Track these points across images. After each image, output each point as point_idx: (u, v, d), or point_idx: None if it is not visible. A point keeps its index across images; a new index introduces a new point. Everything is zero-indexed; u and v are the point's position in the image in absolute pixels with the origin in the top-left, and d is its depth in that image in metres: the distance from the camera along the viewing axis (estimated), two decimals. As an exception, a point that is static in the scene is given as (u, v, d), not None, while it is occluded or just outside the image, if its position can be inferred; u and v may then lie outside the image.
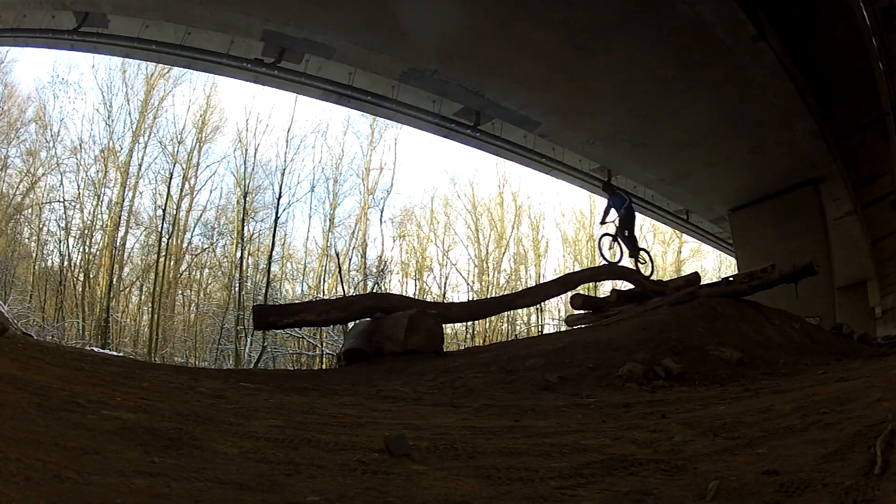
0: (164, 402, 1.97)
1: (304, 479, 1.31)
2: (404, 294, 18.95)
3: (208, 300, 19.97)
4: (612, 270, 7.64)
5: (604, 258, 8.02)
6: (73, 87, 17.83)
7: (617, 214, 7.95)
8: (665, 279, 9.20)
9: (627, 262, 8.09)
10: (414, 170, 30.57)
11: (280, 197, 19.11)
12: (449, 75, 9.31)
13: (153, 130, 18.59)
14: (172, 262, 19.08)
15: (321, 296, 19.17)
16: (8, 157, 17.15)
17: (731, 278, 7.41)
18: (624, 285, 7.53)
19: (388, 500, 1.22)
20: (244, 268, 19.03)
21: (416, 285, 22.46)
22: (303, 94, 10.40)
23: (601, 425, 2.16)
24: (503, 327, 22.37)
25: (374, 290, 18.61)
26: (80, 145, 17.59)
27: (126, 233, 18.36)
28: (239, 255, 19.05)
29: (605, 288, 21.41)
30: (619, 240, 7.92)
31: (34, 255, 17.77)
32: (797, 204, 11.78)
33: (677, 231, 21.58)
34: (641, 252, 8.14)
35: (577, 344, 4.36)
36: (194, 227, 19.89)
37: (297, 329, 15.50)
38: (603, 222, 8.19)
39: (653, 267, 8.46)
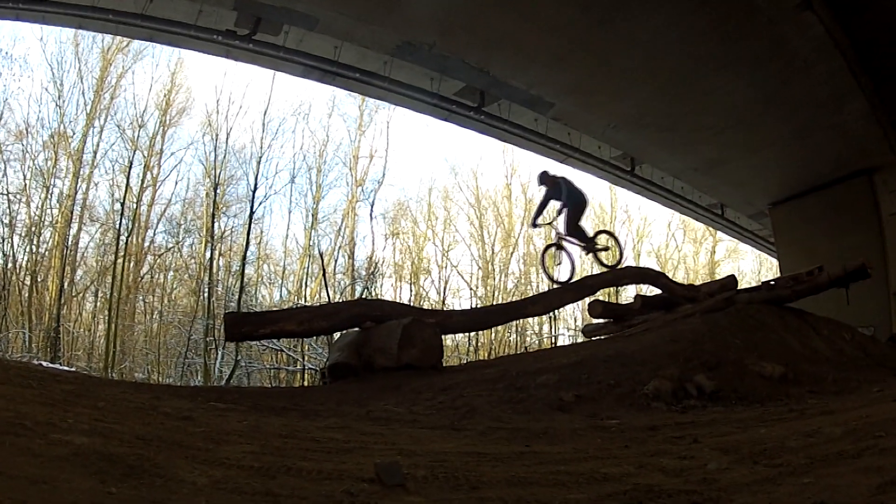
0: (122, 425, 1.97)
1: (284, 512, 1.31)
2: (398, 300, 18.95)
3: (173, 307, 19.96)
4: (636, 273, 7.64)
5: (548, 277, 7.32)
6: (17, 63, 17.79)
7: (563, 210, 7.03)
8: (697, 283, 9.21)
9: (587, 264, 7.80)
10: (409, 158, 30.64)
11: (255, 189, 19.11)
12: (449, 49, 9.31)
13: (110, 112, 18.58)
14: (132, 264, 19.08)
15: (303, 302, 19.16)
16: (-58, 144, 17.15)
17: (772, 282, 7.41)
18: (650, 290, 7.53)
19: (380, 537, 1.22)
20: (214, 270, 19.02)
21: (411, 290, 22.49)
22: (281, 70, 10.40)
23: (624, 451, 2.16)
24: (511, 338, 22.37)
25: (364, 296, 18.63)
26: (27, 129, 17.59)
27: (79, 230, 18.38)
28: (208, 255, 19.05)
29: (627, 293, 21.52)
30: (566, 241, 7.19)
31: (-27, 255, 17.76)
32: (848, 197, 11.78)
33: (711, 228, 21.58)
34: (600, 237, 7.50)
35: (596, 357, 4.36)
36: (157, 223, 19.89)
37: (275, 340, 15.54)
38: (535, 224, 7.44)
39: (621, 252, 7.98)
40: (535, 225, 7.51)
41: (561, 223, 7.18)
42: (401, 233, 22.92)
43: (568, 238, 7.22)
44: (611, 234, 8.08)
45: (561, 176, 7.27)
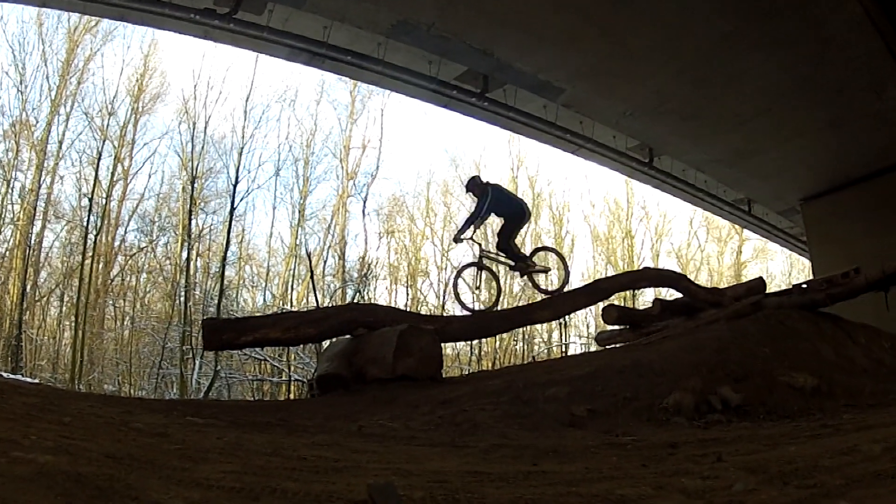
0: (90, 442, 1.97)
1: (267, 538, 1.31)
2: (393, 305, 18.97)
3: (146, 313, 19.99)
4: (654, 275, 7.66)
5: (460, 304, 6.78)
6: (-25, 45, 17.82)
7: (481, 218, 6.61)
8: (722, 286, 9.23)
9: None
10: (405, 149, 30.65)
11: (237, 183, 19.15)
12: (450, 29, 9.31)
13: (77, 99, 18.61)
14: (101, 265, 19.10)
15: (288, 307, 19.17)
16: None
17: (804, 285, 7.40)
18: (670, 294, 7.54)
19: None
20: (191, 272, 19.04)
21: (408, 294, 22.51)
22: (265, 53, 10.40)
23: (641, 470, 2.16)
24: (518, 347, 22.39)
25: (356, 301, 18.63)
26: (-15, 117, 17.59)
27: (43, 228, 18.41)
28: (185, 255, 19.07)
29: (645, 298, 21.53)
30: (492, 259, 6.76)
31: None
32: (888, 191, 11.78)
33: (737, 226, 21.61)
34: (539, 255, 6.97)
35: (611, 368, 4.36)
36: (129, 220, 19.94)
37: (258, 349, 15.60)
38: (458, 238, 6.63)
39: (566, 273, 7.43)
40: (457, 240, 6.67)
41: (469, 233, 6.52)
42: (396, 231, 22.97)
43: (497, 255, 6.78)
44: (555, 251, 7.71)
45: (494, 183, 6.87)
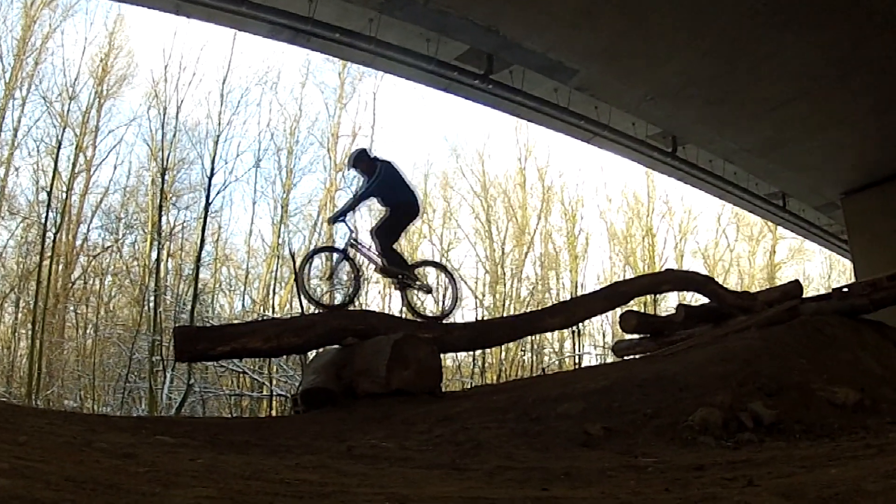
0: (49, 464, 1.97)
1: (246, 571, 1.31)
2: (387, 311, 18.94)
3: (111, 320, 19.97)
4: (678, 278, 7.66)
5: (308, 299, 5.81)
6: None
7: (362, 201, 6.07)
8: (753, 290, 9.23)
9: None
10: (400, 137, 30.59)
11: (212, 175, 19.08)
12: (449, 3, 9.31)
13: (34, 81, 18.60)
14: (61, 267, 19.08)
15: (270, 314, 19.17)
16: None
17: (845, 289, 7.42)
18: (696, 299, 7.54)
19: None
20: (162, 274, 19.03)
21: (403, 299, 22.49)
22: (244, 30, 10.39)
23: (663, 496, 2.16)
24: (526, 358, 22.42)
25: (345, 306, 18.57)
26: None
27: (-5, 225, 18.39)
28: (154, 256, 19.05)
29: (668, 303, 21.55)
30: (364, 255, 6.10)
31: None
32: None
33: (770, 223, 21.65)
34: (423, 270, 6.44)
35: (630, 381, 4.36)
36: (92, 216, 19.91)
37: (236, 361, 15.58)
38: (334, 219, 6.21)
39: (454, 295, 6.64)
40: (333, 221, 6.27)
41: (353, 222, 5.98)
42: (390, 228, 22.96)
43: (373, 255, 6.06)
44: (444, 269, 6.86)
45: (386, 160, 6.17)
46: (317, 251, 6.75)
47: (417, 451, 3.14)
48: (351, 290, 6.11)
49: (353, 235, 6.09)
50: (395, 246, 6.18)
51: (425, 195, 23.87)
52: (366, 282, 6.44)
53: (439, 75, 10.68)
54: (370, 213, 8.10)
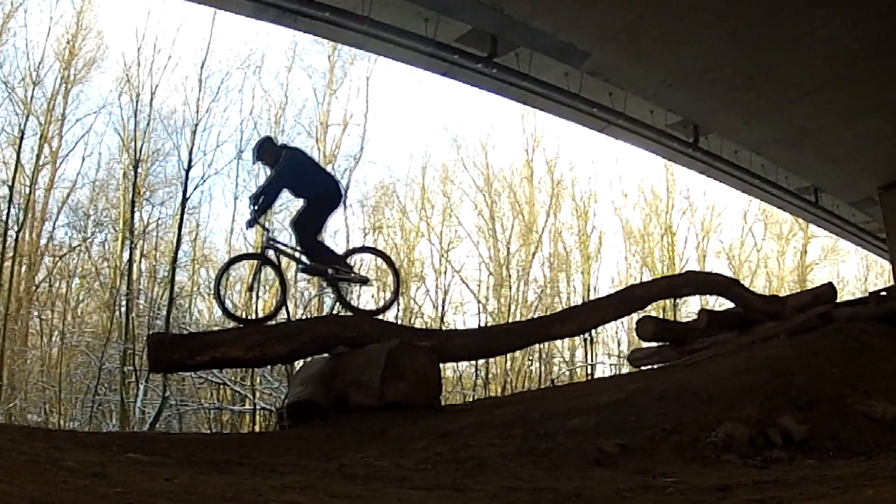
0: (11, 485, 1.96)
1: None
2: (380, 317, 18.92)
3: (79, 326, 19.97)
4: (701, 281, 7.67)
5: (225, 314, 6.21)
6: None
7: (270, 194, 5.90)
8: (782, 293, 9.23)
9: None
10: (396, 126, 30.58)
11: (190, 167, 19.08)
12: (450, -20, 9.32)
13: (-6, 65, 18.60)
14: (24, 268, 19.09)
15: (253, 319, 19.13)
16: None
17: (883, 292, 7.43)
18: (719, 303, 7.54)
19: None
20: (135, 276, 19.04)
21: (399, 303, 22.52)
22: (224, 8, 10.40)
23: (684, 519, 2.16)
24: (533, 368, 22.43)
25: (335, 312, 18.60)
26: None
27: (-48, 223, 18.39)
28: (126, 256, 19.05)
29: (689, 308, 21.53)
30: (286, 255, 6.00)
31: None
32: None
33: (801, 220, 21.64)
34: (356, 258, 6.33)
35: (648, 393, 4.36)
36: (58, 213, 19.91)
37: (215, 371, 15.59)
38: (252, 223, 6.08)
39: (396, 289, 6.84)
40: (251, 224, 6.10)
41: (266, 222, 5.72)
42: (385, 226, 22.97)
43: (295, 252, 5.98)
44: (381, 255, 6.77)
45: (294, 147, 6.11)
46: (233, 261, 6.74)
47: (415, 471, 3.14)
48: (278, 297, 6.07)
49: (269, 236, 6.13)
50: (319, 238, 6.13)
51: (423, 189, 23.93)
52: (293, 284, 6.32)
53: (438, 58, 10.66)
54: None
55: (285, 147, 6.06)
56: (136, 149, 19.17)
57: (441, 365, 5.62)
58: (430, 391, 5.05)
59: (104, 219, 20.18)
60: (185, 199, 18.93)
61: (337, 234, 21.96)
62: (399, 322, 17.94)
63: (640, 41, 10.19)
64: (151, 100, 19.41)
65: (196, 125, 19.33)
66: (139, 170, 19.26)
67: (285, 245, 6.00)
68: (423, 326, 18.66)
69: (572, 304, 19.96)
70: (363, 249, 6.60)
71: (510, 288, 23.33)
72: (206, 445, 3.98)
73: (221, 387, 18.07)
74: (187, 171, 18.92)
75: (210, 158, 19.80)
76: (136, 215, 19.30)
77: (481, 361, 19.58)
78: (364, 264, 6.43)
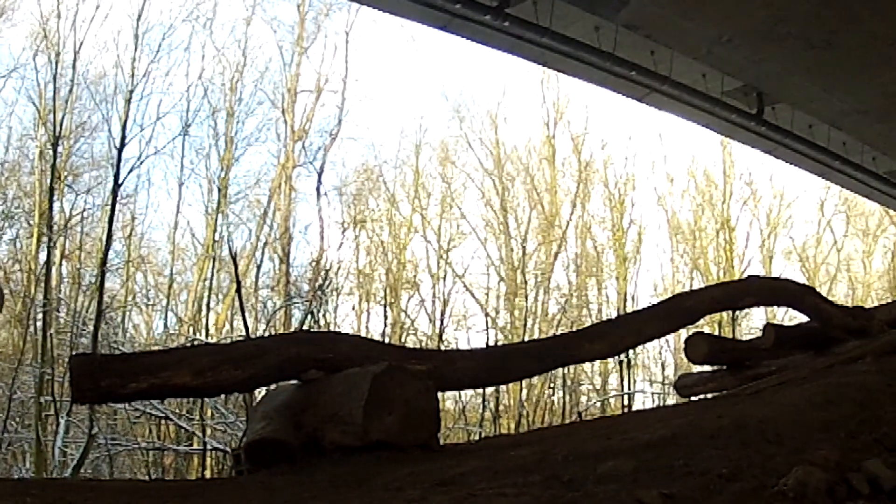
0: None
1: None
2: (363, 334, 18.99)
3: (-16, 345, 20.01)
4: (765, 288, 7.67)
5: None
6: None
7: None
8: (869, 305, 9.22)
9: None
10: (383, 94, 30.66)
11: (123, 145, 19.12)
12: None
13: None
14: (-85, 273, 19.11)
15: (202, 337, 19.20)
16: None
17: None
18: (789, 316, 7.53)
19: None
20: (54, 283, 19.08)
21: (387, 316, 22.56)
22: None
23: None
24: (555, 398, 22.46)
25: (307, 328, 18.63)
26: None
27: None
28: (44, 257, 19.09)
29: (751, 322, 21.53)
30: None
31: None
32: None
33: (892, 212, 21.65)
34: None
35: (699, 431, 4.36)
36: (-43, 204, 19.94)
37: (155, 402, 15.61)
38: None
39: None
40: None
41: None
42: (369, 220, 23.04)
43: None
44: None
45: None
46: None
47: (406, 528, 3.15)
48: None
49: None
50: None
51: (417, 174, 23.97)
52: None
53: (436, 7, 10.68)
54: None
55: None
56: (56, 122, 19.21)
57: (440, 394, 5.62)
58: (426, 427, 5.04)
59: (15, 210, 20.21)
60: (117, 186, 18.92)
61: (308, 229, 22.12)
62: (387, 340, 17.99)
63: (688, -13, 10.24)
64: (75, 61, 19.51)
65: (131, 92, 19.37)
66: (59, 149, 19.33)
67: None
68: (417, 346, 18.68)
69: (604, 318, 19.99)
70: None
71: (526, 297, 23.35)
72: (143, 495, 3.98)
73: (163, 421, 18.08)
74: (120, 151, 18.95)
75: (149, 134, 19.88)
76: (56, 206, 19.38)
77: (490, 390, 19.64)
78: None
